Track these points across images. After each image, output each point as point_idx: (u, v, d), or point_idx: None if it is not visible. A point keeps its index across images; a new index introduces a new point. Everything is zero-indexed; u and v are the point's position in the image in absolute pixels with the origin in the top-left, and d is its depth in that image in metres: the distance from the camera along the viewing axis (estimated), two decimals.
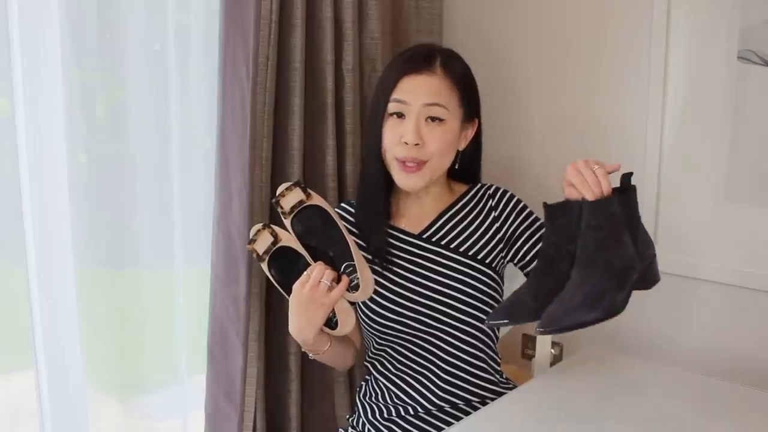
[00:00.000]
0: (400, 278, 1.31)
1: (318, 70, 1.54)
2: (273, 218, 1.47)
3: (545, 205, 1.15)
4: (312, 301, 1.19)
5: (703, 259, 1.49)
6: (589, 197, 1.09)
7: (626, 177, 1.11)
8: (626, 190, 1.10)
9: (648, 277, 1.13)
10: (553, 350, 1.53)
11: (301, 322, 1.22)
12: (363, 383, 1.42)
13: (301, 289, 1.20)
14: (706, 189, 1.47)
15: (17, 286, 1.29)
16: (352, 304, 1.30)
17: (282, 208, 1.21)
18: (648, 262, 1.11)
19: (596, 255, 1.07)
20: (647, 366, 1.39)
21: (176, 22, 1.42)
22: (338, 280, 1.21)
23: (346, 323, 1.23)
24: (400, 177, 1.30)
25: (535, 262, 1.21)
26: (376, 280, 1.31)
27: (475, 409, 1.29)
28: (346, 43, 1.56)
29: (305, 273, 1.20)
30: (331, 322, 1.24)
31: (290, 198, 1.21)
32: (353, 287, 1.21)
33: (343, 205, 1.43)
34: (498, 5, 1.76)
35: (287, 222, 1.21)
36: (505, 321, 1.15)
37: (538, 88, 1.71)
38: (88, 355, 1.37)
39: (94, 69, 1.35)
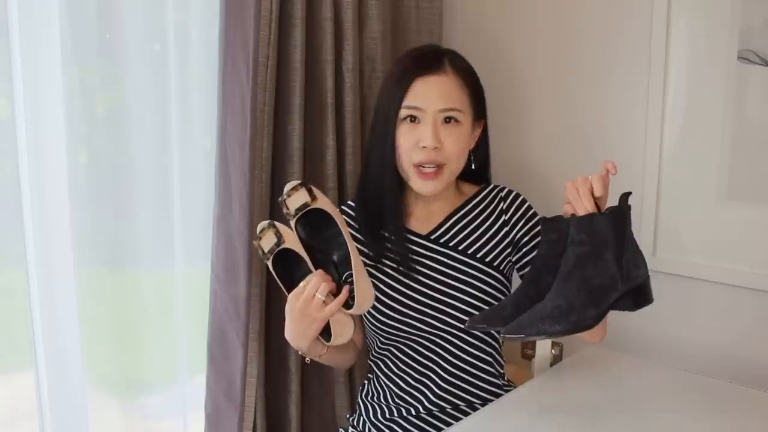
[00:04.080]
0: (406, 278, 1.31)
1: (318, 70, 1.54)
2: (274, 217, 1.47)
3: (541, 219, 1.15)
4: (305, 314, 1.15)
5: (704, 259, 1.49)
6: (581, 212, 1.08)
7: (624, 196, 1.09)
8: (620, 209, 1.09)
9: (637, 299, 1.11)
10: (553, 350, 1.53)
11: (295, 331, 1.20)
12: (366, 382, 1.42)
13: (295, 301, 1.16)
14: (707, 189, 1.47)
15: (17, 286, 1.29)
16: None
17: (287, 208, 1.18)
18: (635, 284, 1.09)
19: (574, 270, 1.07)
20: (647, 366, 1.39)
21: (176, 22, 1.42)
22: (338, 291, 1.17)
23: (341, 336, 1.19)
24: (418, 183, 1.28)
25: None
26: (383, 280, 1.31)
27: (476, 410, 1.29)
28: (346, 43, 1.56)
29: (301, 284, 1.16)
30: (326, 333, 1.20)
31: (296, 199, 1.17)
32: (352, 298, 1.17)
33: (348, 202, 1.42)
34: (498, 5, 1.77)
35: (292, 224, 1.19)
36: (483, 325, 1.15)
37: (539, 88, 1.71)
38: (88, 355, 1.37)
39: (94, 69, 1.35)
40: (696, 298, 1.52)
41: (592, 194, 1.08)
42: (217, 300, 1.45)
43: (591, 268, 1.07)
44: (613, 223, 1.07)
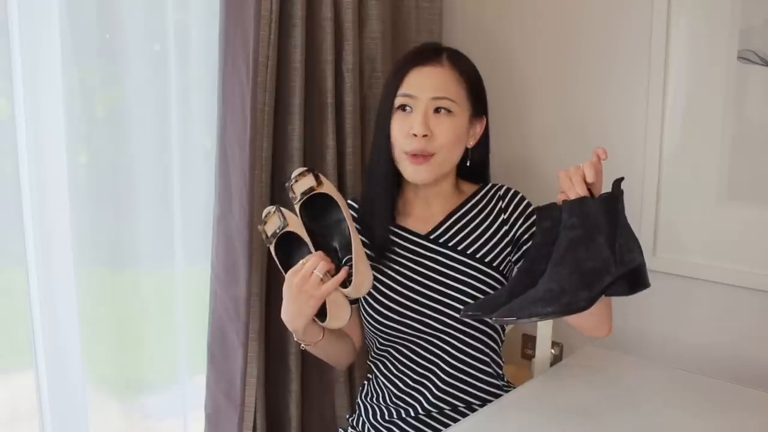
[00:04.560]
0: (405, 278, 1.31)
1: (318, 70, 1.54)
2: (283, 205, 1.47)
3: (534, 208, 1.16)
4: (302, 291, 1.16)
5: (704, 259, 1.49)
6: (572, 197, 1.09)
7: (616, 182, 1.10)
8: (611, 193, 1.09)
9: (632, 284, 1.11)
10: (553, 350, 1.53)
11: (292, 309, 1.20)
12: (365, 383, 1.42)
13: (292, 278, 1.17)
14: (707, 189, 1.47)
15: (17, 286, 1.29)
16: (354, 302, 1.29)
17: (293, 192, 1.20)
18: (628, 268, 1.09)
19: (566, 254, 1.07)
20: (647, 366, 1.39)
21: (176, 22, 1.42)
22: (336, 272, 1.18)
23: (337, 317, 1.20)
24: (408, 169, 1.29)
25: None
26: (382, 280, 1.31)
27: (475, 411, 1.29)
28: (346, 43, 1.56)
29: (300, 262, 1.18)
30: (323, 316, 1.21)
31: (302, 184, 1.20)
32: (350, 281, 1.18)
33: (349, 201, 1.42)
34: (498, 5, 1.77)
35: (297, 208, 1.21)
36: (478, 313, 1.16)
37: (539, 88, 1.71)
38: (88, 355, 1.37)
39: (94, 69, 1.35)
40: (696, 298, 1.52)
41: (585, 181, 1.09)
42: (217, 300, 1.45)
43: (583, 251, 1.07)
44: (604, 207, 1.08)
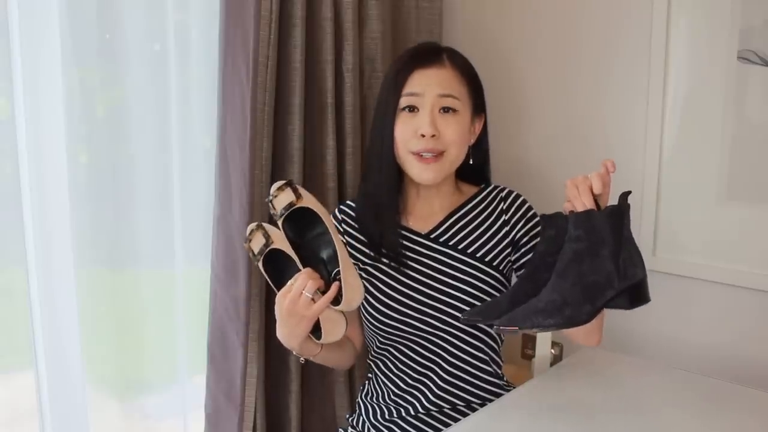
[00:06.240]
0: (405, 277, 1.31)
1: (318, 70, 1.54)
2: (271, 217, 1.48)
3: (540, 216, 1.16)
4: (293, 313, 1.15)
5: (703, 259, 1.49)
6: (580, 209, 1.09)
7: (623, 195, 1.10)
8: (618, 207, 1.09)
9: (632, 298, 1.11)
10: (553, 350, 1.53)
11: (285, 330, 1.19)
12: (366, 382, 1.42)
13: (282, 300, 1.16)
14: (706, 189, 1.47)
15: (17, 286, 1.29)
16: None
17: (274, 209, 1.18)
18: (630, 282, 1.09)
19: (570, 266, 1.07)
20: (647, 366, 1.39)
21: (176, 22, 1.42)
22: (327, 288, 1.15)
23: (332, 333, 1.18)
24: (417, 170, 1.28)
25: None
26: (381, 278, 1.31)
27: (474, 410, 1.29)
28: (346, 43, 1.56)
29: (289, 282, 1.16)
30: (318, 331, 1.19)
31: (281, 199, 1.17)
32: (341, 295, 1.16)
33: (348, 202, 1.42)
34: (498, 5, 1.77)
35: (279, 224, 1.19)
36: (479, 319, 1.15)
37: (539, 88, 1.71)
38: (88, 355, 1.38)
39: (94, 69, 1.35)
40: (695, 298, 1.52)
41: (592, 192, 1.08)
42: (217, 300, 1.45)
43: (587, 265, 1.07)
44: (611, 220, 1.08)
